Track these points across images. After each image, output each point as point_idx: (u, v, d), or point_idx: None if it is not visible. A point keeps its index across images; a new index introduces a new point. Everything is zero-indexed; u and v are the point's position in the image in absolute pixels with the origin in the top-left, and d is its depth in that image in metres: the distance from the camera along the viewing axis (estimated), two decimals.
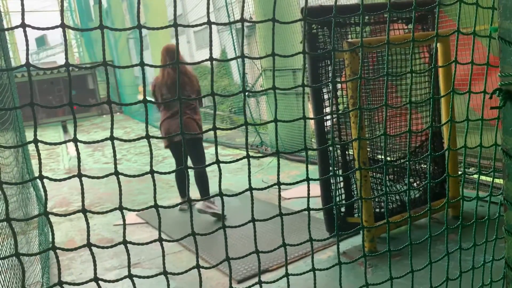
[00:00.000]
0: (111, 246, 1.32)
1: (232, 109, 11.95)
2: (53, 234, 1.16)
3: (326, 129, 3.40)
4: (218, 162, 1.27)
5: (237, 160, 1.37)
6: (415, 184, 4.00)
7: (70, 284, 1.23)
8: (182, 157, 4.81)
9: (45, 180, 1.10)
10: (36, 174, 6.70)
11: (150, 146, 1.29)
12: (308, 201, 1.46)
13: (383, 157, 4.67)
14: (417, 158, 3.96)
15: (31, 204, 4.30)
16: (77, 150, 1.22)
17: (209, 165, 1.37)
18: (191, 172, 5.00)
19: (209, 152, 8.49)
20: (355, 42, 3.16)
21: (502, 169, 1.40)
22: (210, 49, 1.26)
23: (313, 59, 3.26)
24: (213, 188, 5.29)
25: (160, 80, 4.65)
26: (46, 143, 1.18)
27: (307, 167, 1.48)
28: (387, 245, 1.53)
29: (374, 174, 3.80)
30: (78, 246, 1.26)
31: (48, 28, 1.08)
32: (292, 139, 6.75)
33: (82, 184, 1.20)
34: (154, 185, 1.28)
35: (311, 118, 1.39)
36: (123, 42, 16.47)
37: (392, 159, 4.47)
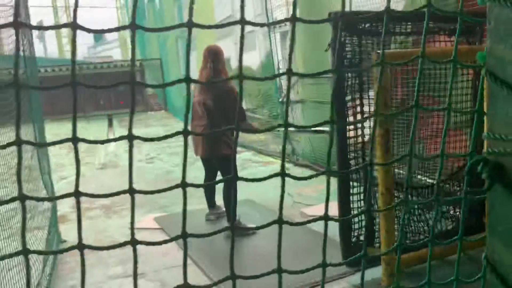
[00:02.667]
0: (97, 248, 1.10)
1: (271, 114, 11.71)
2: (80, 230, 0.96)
3: (348, 148, 3.09)
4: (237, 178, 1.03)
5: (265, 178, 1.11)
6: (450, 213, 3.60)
7: None
8: (209, 172, 4.58)
9: (73, 174, 0.93)
10: (54, 174, 6.71)
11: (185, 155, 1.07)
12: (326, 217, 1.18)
13: (423, 178, 4.30)
14: (453, 181, 3.56)
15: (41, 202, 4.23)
16: (77, 155, 1.02)
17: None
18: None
19: (240, 157, 8.32)
20: (386, 54, 2.83)
21: None
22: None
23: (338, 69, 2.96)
24: (238, 197, 5.05)
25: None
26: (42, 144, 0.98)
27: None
28: None
29: (400, 197, 3.44)
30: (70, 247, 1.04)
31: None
32: (324, 151, 6.41)
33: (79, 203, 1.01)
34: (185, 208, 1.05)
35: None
36: (172, 41, 16.60)
37: (432, 181, 4.08)
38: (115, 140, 1.04)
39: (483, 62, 0.91)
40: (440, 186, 3.75)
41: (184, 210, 1.05)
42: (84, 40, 32.72)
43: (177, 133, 1.03)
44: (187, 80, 0.96)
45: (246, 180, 1.07)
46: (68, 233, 4.55)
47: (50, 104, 17.97)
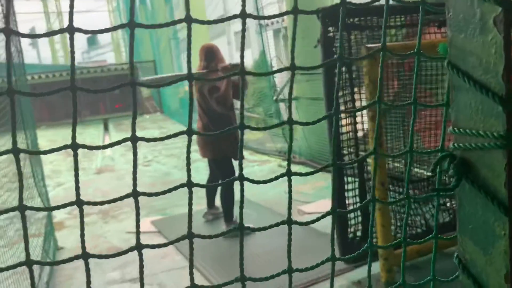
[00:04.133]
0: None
1: (268, 112, 11.69)
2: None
3: (341, 143, 3.07)
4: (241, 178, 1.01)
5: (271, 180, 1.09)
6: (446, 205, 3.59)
7: None
8: (213, 171, 4.55)
9: (70, 180, 0.91)
10: (51, 180, 6.64)
11: (188, 154, 1.06)
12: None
13: (419, 171, 4.29)
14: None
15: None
16: (76, 163, 0.99)
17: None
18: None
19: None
20: (374, 48, 2.81)
21: None
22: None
23: (329, 66, 2.94)
24: (235, 197, 5.05)
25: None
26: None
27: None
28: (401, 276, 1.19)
29: (397, 190, 3.42)
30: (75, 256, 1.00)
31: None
32: (322, 147, 6.39)
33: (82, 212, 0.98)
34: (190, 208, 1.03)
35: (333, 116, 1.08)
36: (165, 43, 16.58)
37: (429, 173, 4.07)
38: (118, 143, 1.02)
39: (445, 54, 0.88)
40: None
41: (190, 210, 1.03)
42: (77, 45, 32.57)
43: (181, 133, 1.01)
44: (190, 77, 0.94)
45: (253, 181, 1.05)
46: (65, 240, 4.53)
47: (46, 110, 17.91)
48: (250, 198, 5.38)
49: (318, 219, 1.05)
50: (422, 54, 0.99)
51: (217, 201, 4.67)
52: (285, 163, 7.28)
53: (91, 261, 3.71)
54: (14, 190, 3.81)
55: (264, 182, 1.06)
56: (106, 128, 16.32)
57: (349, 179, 3.23)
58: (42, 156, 4.80)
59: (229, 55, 18.33)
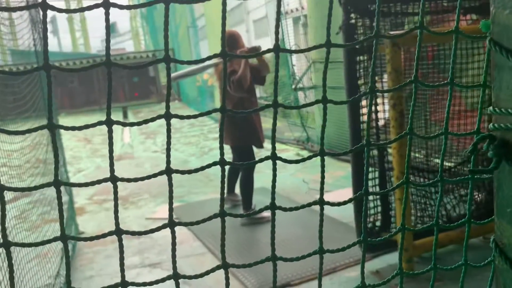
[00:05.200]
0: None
1: (286, 101, 11.65)
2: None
3: (361, 127, 3.04)
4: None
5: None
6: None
7: None
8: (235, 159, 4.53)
9: (90, 167, 0.93)
10: (71, 167, 6.72)
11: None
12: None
13: (436, 161, 4.22)
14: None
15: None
16: (110, 137, 1.01)
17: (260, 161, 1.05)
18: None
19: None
20: (397, 35, 2.75)
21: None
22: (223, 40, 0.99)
23: (349, 52, 2.90)
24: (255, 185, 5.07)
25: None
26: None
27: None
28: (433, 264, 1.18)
29: (417, 181, 3.38)
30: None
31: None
32: (340, 137, 6.35)
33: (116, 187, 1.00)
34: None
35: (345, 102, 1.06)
36: (184, 30, 16.58)
37: (449, 164, 4.01)
38: (152, 120, 1.02)
39: (488, 31, 0.85)
40: (466, 159, 3.68)
41: (222, 188, 1.03)
42: (97, 33, 32.84)
43: (215, 110, 1.00)
44: (224, 54, 0.92)
45: (286, 161, 1.03)
46: (86, 225, 4.61)
47: (66, 98, 18.16)
48: (267, 187, 5.39)
49: (350, 200, 1.05)
50: (460, 33, 0.96)
51: (237, 190, 4.70)
52: (303, 152, 7.27)
53: (112, 246, 3.78)
54: (37, 176, 3.88)
55: (297, 161, 1.02)
56: (125, 116, 16.47)
57: (369, 168, 3.20)
58: (63, 142, 4.87)
59: (248, 43, 18.28)
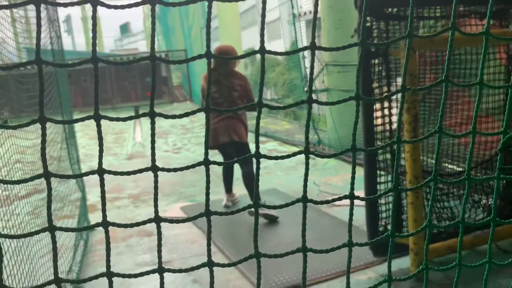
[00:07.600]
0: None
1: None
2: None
3: (375, 136, 3.03)
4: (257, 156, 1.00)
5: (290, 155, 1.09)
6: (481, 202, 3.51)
7: None
8: (228, 158, 4.61)
9: (103, 165, 0.97)
10: (84, 164, 6.80)
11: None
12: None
13: (451, 167, 4.21)
14: (485, 171, 3.46)
15: (70, 191, 4.32)
16: (153, 128, 1.04)
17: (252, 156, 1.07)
18: (237, 170, 4.80)
19: (265, 147, 8.32)
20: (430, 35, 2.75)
21: None
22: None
23: (364, 56, 2.90)
24: (261, 187, 5.08)
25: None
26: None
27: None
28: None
29: (429, 185, 3.37)
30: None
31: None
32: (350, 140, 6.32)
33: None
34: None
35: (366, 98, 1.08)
36: (196, 31, 16.67)
37: (462, 169, 3.98)
38: (137, 117, 1.04)
39: None
40: (480, 164, 3.66)
41: (207, 188, 1.04)
42: (111, 32, 33.14)
43: (198, 110, 1.01)
44: (263, 51, 0.93)
45: (266, 157, 1.04)
46: (98, 222, 4.65)
47: (79, 96, 18.32)
48: (277, 188, 5.40)
49: (380, 195, 1.06)
50: (491, 35, 0.97)
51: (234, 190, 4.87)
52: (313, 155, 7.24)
53: (123, 243, 3.80)
54: (53, 171, 3.93)
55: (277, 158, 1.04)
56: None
57: (382, 172, 3.19)
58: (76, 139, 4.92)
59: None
